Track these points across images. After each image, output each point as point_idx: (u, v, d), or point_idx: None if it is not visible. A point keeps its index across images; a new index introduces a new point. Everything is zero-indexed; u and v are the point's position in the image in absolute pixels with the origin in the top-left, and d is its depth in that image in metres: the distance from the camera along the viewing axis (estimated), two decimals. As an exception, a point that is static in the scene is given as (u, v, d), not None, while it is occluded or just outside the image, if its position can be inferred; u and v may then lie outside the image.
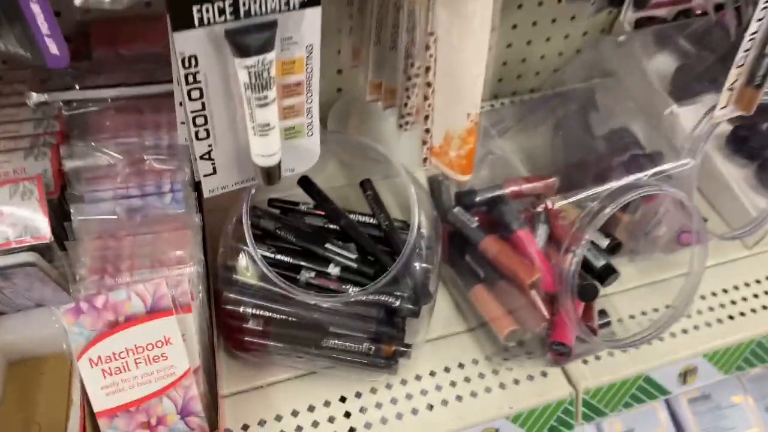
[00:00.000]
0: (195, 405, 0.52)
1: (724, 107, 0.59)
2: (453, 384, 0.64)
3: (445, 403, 0.62)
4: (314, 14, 0.41)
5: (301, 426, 0.60)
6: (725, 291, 0.75)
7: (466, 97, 0.51)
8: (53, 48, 0.30)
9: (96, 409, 0.50)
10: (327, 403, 0.61)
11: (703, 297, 0.74)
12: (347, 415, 0.61)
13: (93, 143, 0.58)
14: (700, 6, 0.81)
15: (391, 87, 0.62)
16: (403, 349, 0.59)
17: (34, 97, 0.57)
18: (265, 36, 0.39)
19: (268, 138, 0.44)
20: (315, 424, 0.60)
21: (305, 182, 0.65)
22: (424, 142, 0.58)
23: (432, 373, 0.64)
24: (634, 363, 0.67)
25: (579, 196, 0.59)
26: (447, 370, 0.65)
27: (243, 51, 0.39)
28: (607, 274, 0.64)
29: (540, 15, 0.89)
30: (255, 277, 0.57)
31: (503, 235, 0.65)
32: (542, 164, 0.72)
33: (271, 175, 0.46)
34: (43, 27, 0.29)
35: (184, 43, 0.39)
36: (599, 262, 0.65)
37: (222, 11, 0.38)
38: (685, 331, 0.70)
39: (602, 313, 0.66)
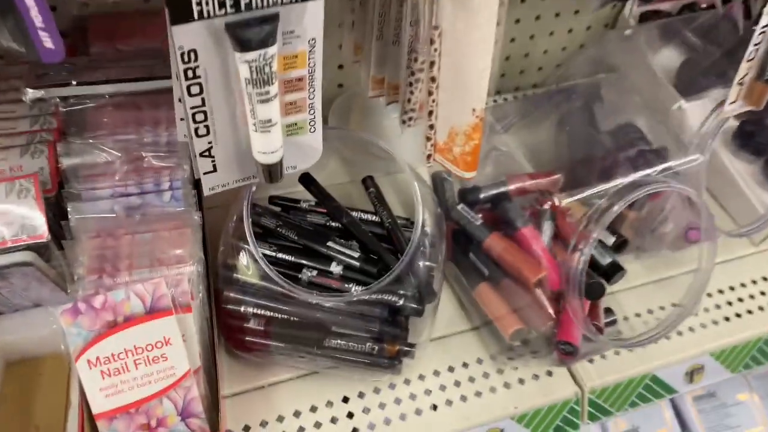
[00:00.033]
0: (196, 406, 0.52)
1: (734, 102, 0.58)
2: (457, 384, 0.63)
3: (449, 403, 0.62)
4: (317, 7, 0.40)
5: (303, 427, 0.59)
6: (732, 288, 0.74)
7: (471, 93, 0.50)
8: (48, 42, 0.29)
9: (95, 411, 0.49)
10: (329, 404, 0.61)
11: (709, 294, 0.73)
12: (350, 415, 0.60)
13: (90, 140, 0.57)
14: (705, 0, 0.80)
15: (394, 82, 0.61)
16: (406, 348, 0.58)
17: (30, 94, 0.56)
18: (267, 29, 0.38)
19: (270, 135, 0.43)
20: (317, 425, 0.59)
21: (306, 179, 0.65)
22: (428, 139, 0.57)
23: (436, 373, 0.64)
24: (641, 362, 0.66)
25: (586, 193, 0.57)
26: (451, 369, 0.64)
27: (244, 45, 0.38)
28: (614, 271, 0.64)
29: (543, 9, 0.88)
30: (256, 276, 0.56)
31: (507, 233, 0.64)
32: (546, 160, 0.71)
33: (272, 172, 0.45)
34: (37, 20, 0.28)
35: (183, 36, 0.38)
36: (605, 260, 0.64)
37: (222, 4, 0.37)
38: (691, 329, 0.70)
39: (608, 311, 0.65)
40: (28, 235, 0.52)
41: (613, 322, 0.65)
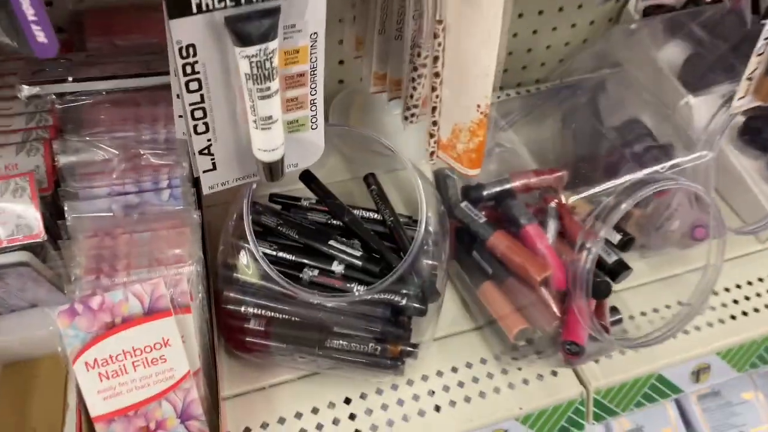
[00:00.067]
0: (195, 408, 0.51)
1: (743, 97, 0.57)
2: (461, 384, 0.62)
3: (452, 404, 0.61)
4: (319, 0, 0.39)
5: (304, 429, 0.58)
6: (738, 287, 0.73)
7: (476, 88, 0.49)
8: (40, 36, 0.28)
9: (93, 413, 0.49)
10: (331, 405, 0.60)
11: (715, 293, 0.72)
12: (352, 417, 0.59)
13: (87, 138, 0.56)
14: (711, -7, 0.79)
15: (396, 78, 0.60)
16: (409, 349, 0.57)
17: (26, 90, 0.55)
18: (268, 23, 0.37)
19: (271, 132, 0.42)
20: (319, 426, 0.58)
21: (307, 177, 0.64)
22: (431, 135, 0.56)
23: (439, 373, 0.63)
24: (646, 361, 0.65)
25: (594, 191, 0.56)
26: (454, 370, 0.63)
27: (244, 39, 0.37)
28: (620, 270, 0.63)
29: (546, 4, 0.87)
30: (256, 276, 0.55)
31: (511, 231, 0.63)
32: (550, 157, 0.70)
33: (273, 170, 0.45)
34: (29, 12, 0.27)
35: (182, 31, 0.37)
36: (611, 258, 0.63)
37: (221, -3, 0.36)
38: (698, 328, 0.69)
39: (614, 310, 0.64)
40: (24, 234, 0.51)
41: (619, 321, 0.65)
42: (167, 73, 0.43)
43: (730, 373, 0.70)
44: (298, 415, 0.59)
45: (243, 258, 0.56)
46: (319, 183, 0.64)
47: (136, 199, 0.55)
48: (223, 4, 0.36)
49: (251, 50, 0.38)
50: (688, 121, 0.67)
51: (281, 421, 0.58)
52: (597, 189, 0.56)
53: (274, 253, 0.58)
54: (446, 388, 0.62)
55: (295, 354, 0.58)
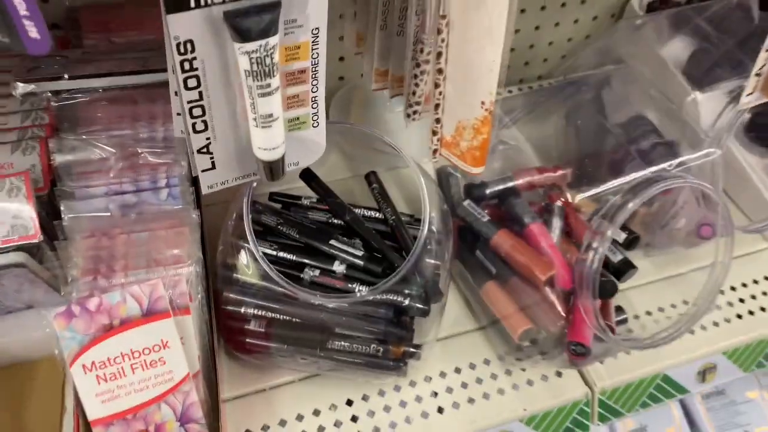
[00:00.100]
0: (195, 411, 0.50)
1: (751, 93, 0.56)
2: (464, 385, 0.61)
3: (456, 405, 0.60)
4: (320, -5, 0.38)
5: (306, 431, 0.57)
6: (744, 285, 0.72)
7: (480, 85, 0.48)
8: (33, 32, 0.27)
9: (90, 417, 0.48)
10: (333, 407, 0.59)
11: (722, 292, 0.71)
12: (354, 419, 0.59)
13: (84, 136, 0.55)
14: (716, -12, 0.78)
15: (398, 75, 0.59)
16: (412, 350, 0.57)
17: (21, 88, 0.55)
18: (268, 18, 0.36)
19: (271, 130, 0.41)
20: (320, 429, 0.58)
21: (307, 175, 0.63)
22: (434, 133, 0.55)
23: (442, 374, 0.62)
24: (652, 361, 0.64)
25: (602, 189, 0.56)
26: (458, 370, 0.62)
27: (243, 35, 0.36)
28: (625, 269, 0.62)
29: (549, -1, 0.86)
30: (256, 276, 0.55)
31: (515, 229, 0.62)
32: (554, 154, 0.69)
33: (274, 169, 0.44)
34: (21, 7, 0.26)
35: (179, 26, 0.36)
36: (616, 257, 0.63)
37: (220, -9, 0.35)
38: (703, 328, 0.68)
39: (619, 309, 0.63)
40: (20, 235, 0.50)
41: (624, 321, 0.64)
42: (165, 70, 0.43)
43: (736, 373, 0.69)
44: (300, 417, 0.58)
45: (243, 258, 0.55)
46: (319, 181, 0.63)
47: (134, 198, 0.55)
48: (221, -1, 0.35)
49: (251, 46, 0.37)
50: (695, 118, 0.66)
51: (282, 423, 0.58)
52: (603, 187, 0.56)
53: (275, 252, 0.57)
54: (449, 390, 0.61)
55: (296, 355, 0.57)
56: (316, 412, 0.59)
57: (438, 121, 0.54)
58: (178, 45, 0.37)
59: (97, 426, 0.48)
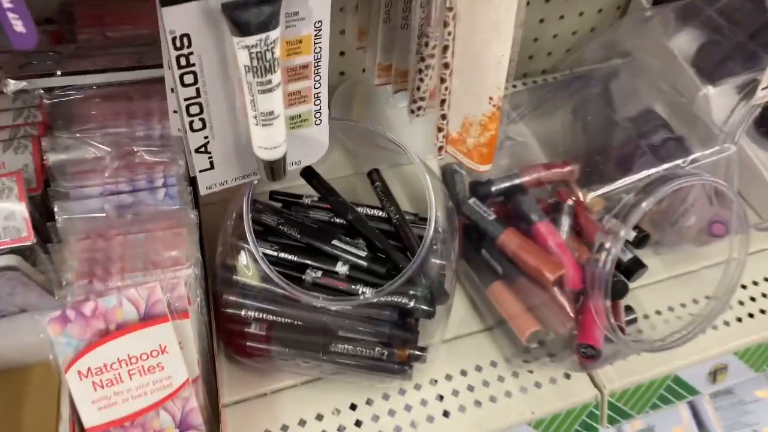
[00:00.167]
0: (195, 417, 0.49)
1: (766, 87, 0.55)
2: (470, 388, 0.60)
3: (462, 409, 0.59)
4: (323, -14, 0.37)
5: (309, 436, 0.56)
6: (755, 283, 0.71)
7: (488, 79, 0.47)
8: (18, 25, 0.25)
9: (87, 425, 0.47)
10: (336, 411, 0.58)
11: (732, 290, 0.70)
12: (358, 423, 0.57)
13: (78, 134, 0.54)
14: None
15: (402, 69, 0.58)
16: (417, 353, 0.55)
17: (12, 85, 0.54)
18: (268, 11, 0.35)
19: (272, 128, 0.40)
20: (324, 433, 0.56)
21: (308, 173, 0.61)
22: (440, 129, 0.53)
23: (448, 377, 0.61)
24: (662, 362, 0.63)
25: (612, 187, 0.54)
26: (464, 373, 0.61)
27: (243, 28, 0.35)
28: (635, 268, 0.61)
29: (553, -8, 0.84)
30: (257, 278, 0.53)
31: (522, 228, 0.61)
32: (560, 150, 0.68)
33: (275, 169, 0.42)
34: (5, 0, 0.24)
35: (175, 19, 0.34)
36: (626, 256, 0.61)
37: (218, -18, 0.34)
38: (714, 327, 0.67)
39: (628, 309, 0.62)
40: (12, 237, 0.49)
41: (634, 321, 0.62)
42: (161, 65, 0.41)
43: (748, 373, 0.68)
44: (302, 423, 0.57)
45: (243, 259, 0.54)
46: (321, 179, 0.61)
47: (130, 198, 0.53)
48: (219, -10, 0.34)
49: (250, 40, 0.36)
50: (707, 112, 0.64)
51: (284, 428, 0.57)
52: (615, 185, 0.54)
53: (275, 253, 0.56)
54: (455, 393, 0.60)
55: (298, 359, 0.56)
56: (319, 417, 0.57)
57: (444, 117, 0.52)
58: (173, 39, 0.36)
59: (93, 434, 0.47)
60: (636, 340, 0.57)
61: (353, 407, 0.58)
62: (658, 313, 0.67)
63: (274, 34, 0.36)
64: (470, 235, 0.63)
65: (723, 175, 0.56)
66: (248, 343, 0.55)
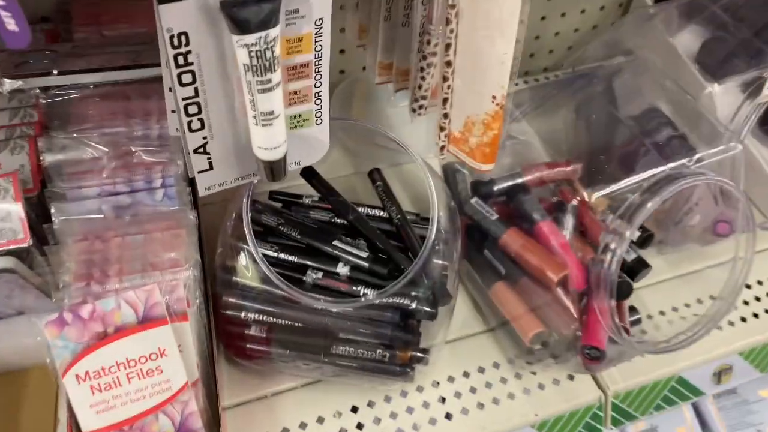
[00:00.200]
0: (194, 421, 0.49)
1: (773, 85, 0.54)
2: (473, 390, 0.59)
3: (465, 411, 0.58)
4: (324, -17, 0.36)
5: (310, 439, 0.56)
6: (760, 283, 0.70)
7: (491, 77, 0.46)
8: (11, 24, 0.24)
9: (84, 429, 0.46)
10: (337, 414, 0.57)
11: (736, 290, 0.69)
12: (359, 426, 0.57)
13: (75, 134, 0.54)
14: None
15: (404, 68, 0.57)
16: (420, 355, 0.55)
17: (8, 84, 0.53)
18: (268, 8, 0.34)
19: (272, 128, 0.39)
20: (325, 436, 0.56)
21: (308, 172, 0.60)
22: (442, 129, 0.53)
23: (450, 379, 0.60)
24: (666, 363, 0.62)
25: (617, 187, 0.53)
26: (466, 375, 0.60)
27: (242, 26, 0.34)
28: (639, 268, 0.60)
29: (555, -12, 0.84)
30: (256, 279, 0.53)
31: (524, 228, 0.60)
32: (563, 148, 0.67)
33: (275, 170, 0.42)
34: (-4, -2, 0.24)
35: (172, 17, 0.34)
36: (630, 256, 0.61)
37: (216, -21, 0.33)
38: (719, 328, 0.66)
39: (632, 309, 0.62)
40: (8, 239, 0.48)
41: (638, 321, 0.62)
42: (159, 64, 0.41)
43: (753, 373, 0.68)
44: (303, 425, 0.56)
45: (242, 260, 0.53)
46: (321, 179, 0.61)
47: (128, 199, 0.53)
48: (218, -13, 0.33)
49: (250, 38, 0.35)
50: (711, 110, 0.64)
51: (284, 431, 0.56)
52: (621, 185, 0.53)
53: (275, 254, 0.55)
54: (458, 395, 0.59)
55: (299, 361, 0.55)
56: (320, 420, 0.57)
57: (446, 116, 0.52)
58: (171, 38, 0.35)
59: (91, 438, 0.46)
60: (640, 341, 0.57)
61: (354, 410, 0.58)
62: (662, 313, 0.66)
63: (273, 32, 0.35)
64: (472, 235, 0.62)
65: (729, 174, 0.55)
66: (248, 345, 0.54)
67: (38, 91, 0.55)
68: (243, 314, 0.54)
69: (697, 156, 0.54)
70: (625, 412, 0.63)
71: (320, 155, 0.46)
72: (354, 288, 0.54)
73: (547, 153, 0.66)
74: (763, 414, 0.86)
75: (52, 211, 0.51)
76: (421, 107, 0.55)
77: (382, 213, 0.60)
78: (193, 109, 0.39)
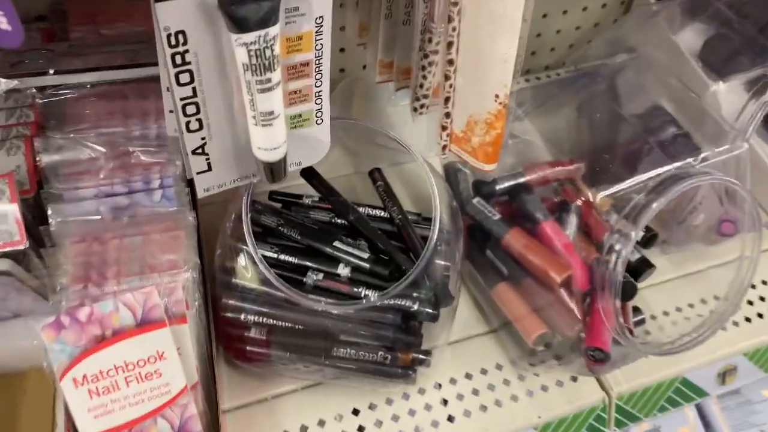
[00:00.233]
0: (194, 425, 0.48)
1: (780, 83, 0.53)
2: (475, 392, 0.59)
3: (467, 413, 0.58)
4: (324, -19, 0.35)
5: (310, 442, 0.55)
6: (765, 283, 0.70)
7: (493, 76, 0.46)
8: (3, 23, 0.24)
9: None
10: (338, 417, 0.57)
11: (740, 290, 0.68)
12: (361, 429, 0.56)
13: (72, 134, 0.54)
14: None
15: (405, 66, 0.57)
16: (422, 357, 0.54)
17: (4, 84, 0.53)
18: (267, 6, 0.34)
19: (272, 128, 0.38)
20: (326, 439, 0.55)
21: (308, 172, 0.60)
22: (444, 128, 0.52)
23: (452, 381, 0.59)
24: (670, 364, 0.62)
25: (622, 187, 0.53)
26: (468, 376, 0.60)
27: (241, 24, 0.34)
28: (643, 268, 0.59)
29: (557, -14, 0.83)
30: (256, 281, 0.52)
31: (527, 227, 0.59)
32: (566, 147, 0.67)
33: (275, 170, 0.41)
34: (-13, -4, 0.23)
35: (169, 15, 0.33)
36: (633, 256, 0.60)
37: (215, -24, 0.32)
38: (723, 328, 0.65)
39: (636, 310, 0.61)
40: (4, 241, 0.48)
41: (642, 322, 0.61)
42: (156, 63, 0.40)
43: (757, 374, 0.67)
44: (304, 428, 0.56)
45: (242, 261, 0.52)
46: (321, 179, 0.60)
47: (126, 200, 0.53)
48: (216, -15, 0.33)
49: (249, 37, 0.34)
50: (716, 109, 0.63)
51: (285, 434, 0.55)
52: (625, 184, 0.53)
53: (275, 255, 0.55)
54: (460, 397, 0.58)
55: (299, 363, 0.55)
56: (321, 423, 0.56)
57: (448, 115, 0.51)
58: (168, 36, 0.34)
59: (89, 442, 0.46)
60: (645, 343, 0.56)
61: (356, 412, 0.57)
62: (666, 313, 0.65)
63: (273, 31, 0.35)
64: (475, 236, 0.62)
65: (734, 174, 0.54)
66: (248, 348, 0.54)
67: (34, 90, 0.54)
68: (243, 316, 0.53)
69: (702, 155, 0.54)
70: (629, 414, 0.62)
71: (321, 155, 0.46)
72: (355, 289, 0.53)
73: (549, 152, 0.66)
74: (766, 414, 0.85)
75: (49, 212, 0.51)
76: (422, 106, 0.54)
77: (383, 213, 0.60)
78: (191, 109, 0.39)
